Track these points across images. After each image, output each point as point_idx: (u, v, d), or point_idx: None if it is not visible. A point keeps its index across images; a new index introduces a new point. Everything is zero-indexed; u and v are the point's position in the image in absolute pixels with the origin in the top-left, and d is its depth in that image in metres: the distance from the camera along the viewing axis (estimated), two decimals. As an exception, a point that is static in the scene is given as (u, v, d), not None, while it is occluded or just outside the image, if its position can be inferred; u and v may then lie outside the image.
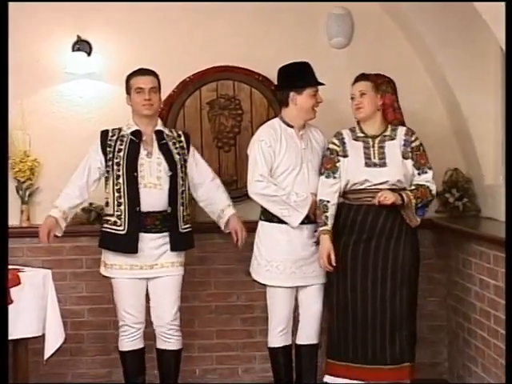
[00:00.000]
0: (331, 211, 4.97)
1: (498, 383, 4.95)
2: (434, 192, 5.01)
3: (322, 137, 5.21)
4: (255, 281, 5.23)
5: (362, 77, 5.06)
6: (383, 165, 4.97)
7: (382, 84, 5.18)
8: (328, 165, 5.04)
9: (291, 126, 5.13)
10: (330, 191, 5.00)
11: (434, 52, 5.73)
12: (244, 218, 5.68)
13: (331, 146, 5.07)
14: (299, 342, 5.24)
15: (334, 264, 4.91)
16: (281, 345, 5.22)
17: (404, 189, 4.93)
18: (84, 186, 5.12)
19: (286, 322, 5.17)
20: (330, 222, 4.97)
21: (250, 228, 5.58)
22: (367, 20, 5.97)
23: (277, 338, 5.21)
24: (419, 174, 5.00)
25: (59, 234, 5.13)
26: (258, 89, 5.94)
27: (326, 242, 4.94)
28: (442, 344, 5.98)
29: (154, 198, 5.03)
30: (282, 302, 5.15)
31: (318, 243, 5.01)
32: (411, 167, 5.00)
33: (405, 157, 5.00)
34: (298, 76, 5.12)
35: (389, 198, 4.84)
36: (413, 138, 5.03)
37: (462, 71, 5.68)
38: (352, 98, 5.03)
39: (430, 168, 5.02)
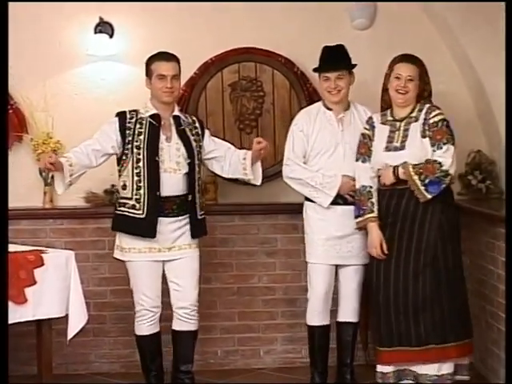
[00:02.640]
0: (375, 197, 4.98)
1: None
2: (445, 168, 4.83)
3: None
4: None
5: (412, 59, 4.99)
6: (402, 148, 4.93)
7: (425, 73, 5.06)
8: (362, 149, 5.05)
9: (330, 109, 5.19)
10: (369, 176, 5.00)
11: (457, 33, 5.72)
12: (263, 200, 5.90)
13: (364, 131, 5.09)
14: (339, 319, 5.30)
15: (387, 252, 4.89)
16: (318, 324, 5.25)
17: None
18: (95, 153, 5.03)
19: (323, 300, 5.20)
20: (376, 208, 4.96)
21: (272, 210, 5.83)
22: (389, 1, 5.94)
23: (314, 316, 5.25)
24: (434, 150, 4.89)
25: (60, 184, 4.99)
26: (280, 71, 5.93)
27: (375, 230, 4.95)
28: None
29: (173, 182, 5.03)
30: (319, 279, 5.19)
31: (360, 229, 5.02)
32: (429, 146, 4.92)
33: (423, 136, 4.93)
34: (319, 61, 5.19)
35: (387, 180, 4.89)
36: (432, 115, 4.94)
37: (486, 52, 5.64)
38: (397, 78, 4.95)
39: (445, 143, 4.89)
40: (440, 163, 4.84)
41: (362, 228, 5.01)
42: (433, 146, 4.89)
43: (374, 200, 4.96)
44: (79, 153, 5.02)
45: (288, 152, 5.19)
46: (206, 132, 5.27)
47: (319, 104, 5.26)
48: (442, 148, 4.88)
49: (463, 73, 5.94)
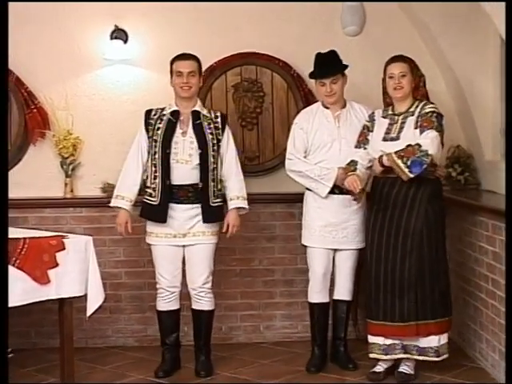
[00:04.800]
0: (359, 167, 4.95)
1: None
2: (424, 147, 4.75)
3: (366, 112, 5.18)
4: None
5: (401, 58, 4.99)
6: (397, 138, 4.92)
7: (415, 67, 5.07)
8: (360, 138, 5.06)
9: (327, 108, 5.19)
10: (360, 157, 4.99)
11: (438, 38, 5.69)
12: (263, 191, 5.87)
13: (365, 122, 5.10)
14: (334, 297, 5.31)
15: (361, 187, 4.86)
16: (317, 301, 5.27)
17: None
18: (139, 172, 5.09)
19: (322, 280, 5.22)
20: (358, 171, 4.93)
21: (271, 199, 5.82)
22: (378, 10, 5.93)
23: (313, 294, 5.27)
24: (420, 135, 4.86)
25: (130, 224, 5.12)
26: (278, 73, 5.91)
27: (353, 176, 4.91)
28: None
29: (185, 172, 5.03)
30: (317, 261, 5.21)
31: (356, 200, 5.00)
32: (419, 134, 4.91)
33: (415, 127, 4.90)
34: (312, 72, 5.20)
35: (376, 168, 4.91)
36: (425, 109, 4.92)
37: (464, 56, 5.64)
38: (391, 77, 4.95)
39: (431, 128, 4.83)
40: (419, 144, 4.78)
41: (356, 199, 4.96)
42: (421, 133, 4.85)
43: (358, 166, 4.94)
44: (131, 185, 5.07)
45: (290, 148, 5.21)
46: (227, 129, 5.20)
47: (318, 104, 5.27)
48: (425, 132, 4.84)
49: (443, 74, 5.92)
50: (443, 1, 5.41)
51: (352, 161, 4.99)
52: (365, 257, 5.10)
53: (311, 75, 5.22)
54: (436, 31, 5.67)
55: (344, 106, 5.20)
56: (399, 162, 4.78)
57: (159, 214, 5.05)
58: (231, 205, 5.17)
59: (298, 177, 5.19)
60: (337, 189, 5.09)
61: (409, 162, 4.76)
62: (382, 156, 4.86)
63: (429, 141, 4.79)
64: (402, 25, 5.93)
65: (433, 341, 4.95)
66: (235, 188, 5.17)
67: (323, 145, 5.14)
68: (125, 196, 5.09)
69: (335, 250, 5.23)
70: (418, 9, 5.68)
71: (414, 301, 4.90)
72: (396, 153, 4.81)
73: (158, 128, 5.08)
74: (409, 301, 4.89)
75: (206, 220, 5.07)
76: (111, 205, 5.18)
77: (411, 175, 4.78)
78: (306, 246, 5.29)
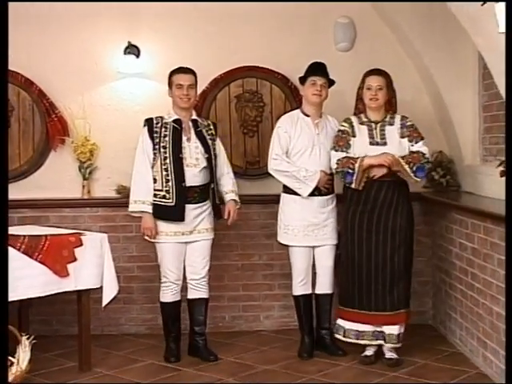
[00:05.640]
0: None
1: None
2: (427, 155, 4.98)
3: (337, 124, 5.22)
4: (278, 242, 5.35)
5: (379, 72, 5.05)
6: (384, 144, 5.00)
7: (390, 83, 5.14)
8: (341, 142, 5.06)
9: (308, 116, 5.23)
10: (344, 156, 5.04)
11: (422, 54, 5.73)
12: (264, 192, 5.87)
13: (342, 128, 5.10)
14: (317, 291, 5.34)
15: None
16: (301, 293, 5.30)
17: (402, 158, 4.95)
18: (150, 177, 5.11)
19: (304, 274, 5.26)
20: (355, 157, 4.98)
21: (270, 200, 5.72)
22: (367, 28, 5.97)
23: (298, 288, 5.31)
24: (412, 144, 5.00)
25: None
26: (277, 85, 5.95)
27: (370, 158, 4.95)
28: (427, 296, 6.00)
29: (194, 174, 5.09)
30: (299, 258, 5.26)
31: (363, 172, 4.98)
32: (407, 144, 5.01)
33: (402, 136, 5.02)
34: (305, 73, 5.23)
35: (380, 172, 4.96)
36: (407, 120, 5.07)
37: (445, 70, 5.67)
38: (368, 89, 5.02)
39: (422, 138, 5.01)
40: (422, 153, 4.96)
41: (365, 169, 4.93)
42: (410, 141, 5.01)
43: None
44: (148, 189, 5.08)
45: (276, 149, 5.17)
46: (217, 138, 5.29)
47: (298, 111, 5.28)
48: (418, 142, 4.99)
49: (426, 87, 5.95)
50: (422, 0, 5.36)
51: (347, 157, 4.99)
52: (350, 253, 5.07)
53: (301, 78, 5.22)
54: (419, 47, 5.70)
55: (321, 116, 5.25)
56: (406, 167, 4.93)
57: (176, 214, 5.05)
58: (228, 197, 5.24)
59: (282, 176, 5.16)
60: (316, 190, 5.15)
61: (415, 168, 4.94)
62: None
63: (427, 149, 5.01)
64: (389, 42, 5.95)
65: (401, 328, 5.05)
66: (228, 184, 5.26)
67: (304, 149, 5.16)
68: (145, 200, 5.07)
69: (314, 247, 5.26)
70: (403, 27, 5.72)
71: (402, 291, 4.99)
72: (403, 158, 4.93)
73: (165, 135, 5.10)
74: (398, 291, 4.98)
75: (216, 216, 5.19)
76: (134, 210, 5.11)
77: (417, 179, 4.98)
78: (287, 246, 5.29)
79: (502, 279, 4.49)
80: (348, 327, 5.13)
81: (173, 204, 5.08)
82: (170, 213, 5.08)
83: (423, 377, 4.81)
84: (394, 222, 5.00)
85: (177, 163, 5.07)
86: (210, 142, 5.21)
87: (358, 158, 4.99)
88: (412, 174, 4.95)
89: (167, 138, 5.12)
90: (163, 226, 5.14)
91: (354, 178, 4.98)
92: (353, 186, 5.01)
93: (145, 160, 5.12)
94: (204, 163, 5.13)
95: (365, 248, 5.02)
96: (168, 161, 5.09)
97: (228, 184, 5.29)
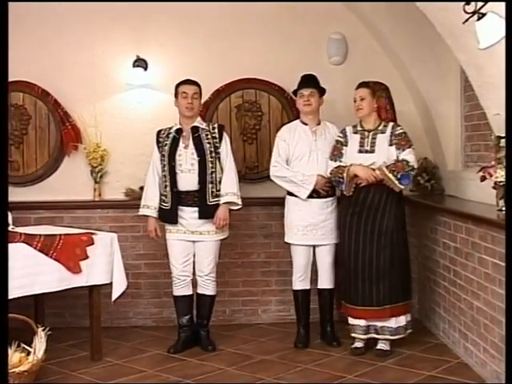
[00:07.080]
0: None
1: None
2: (411, 163, 4.93)
3: (337, 130, 5.25)
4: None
5: (363, 84, 5.08)
6: (372, 151, 5.01)
7: (378, 90, 5.18)
8: (335, 152, 5.13)
9: (306, 124, 5.28)
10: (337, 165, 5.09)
11: (409, 67, 5.77)
12: (263, 195, 5.92)
13: (338, 138, 5.16)
14: (318, 286, 5.37)
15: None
16: (300, 288, 5.34)
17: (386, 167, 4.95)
18: (156, 184, 5.19)
19: (303, 271, 5.29)
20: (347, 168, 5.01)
21: (268, 202, 5.85)
22: (358, 43, 6.01)
23: (297, 283, 5.34)
24: (399, 153, 4.98)
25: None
26: (274, 96, 5.98)
27: (355, 168, 4.98)
28: (413, 291, 5.66)
29: (189, 180, 5.10)
30: (299, 255, 5.29)
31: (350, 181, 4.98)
32: (395, 151, 5.00)
33: (390, 144, 5.00)
34: (298, 85, 5.27)
35: (368, 180, 4.96)
36: (397, 129, 5.04)
37: (430, 81, 5.70)
38: (354, 101, 5.06)
39: (409, 147, 4.98)
40: (407, 161, 4.94)
41: (351, 178, 4.95)
42: (398, 149, 4.98)
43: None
44: (154, 196, 5.18)
45: (276, 157, 5.25)
46: (224, 136, 5.21)
47: (297, 121, 5.33)
48: (405, 150, 4.97)
49: (413, 97, 5.97)
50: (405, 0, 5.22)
51: (339, 166, 5.03)
52: (342, 252, 5.10)
53: (294, 92, 5.29)
54: (407, 61, 5.74)
55: (319, 124, 5.28)
56: (391, 175, 4.91)
57: (171, 217, 5.14)
58: (221, 200, 5.14)
59: (281, 181, 5.23)
60: (315, 193, 5.19)
61: (399, 175, 4.91)
62: (374, 170, 4.94)
63: (413, 157, 4.97)
64: (378, 56, 5.99)
65: (402, 320, 5.06)
66: (225, 185, 5.15)
67: (302, 155, 5.20)
68: (150, 205, 5.19)
69: (315, 246, 5.29)
70: (391, 41, 5.75)
71: (387, 288, 4.99)
72: (387, 167, 4.93)
73: (166, 144, 5.14)
74: (383, 288, 4.99)
75: (201, 216, 5.10)
76: (140, 213, 5.24)
77: (402, 186, 4.94)
78: (289, 244, 5.34)
79: (483, 276, 4.52)
80: (350, 323, 5.14)
81: (169, 207, 5.15)
82: (167, 215, 5.17)
83: (409, 366, 4.85)
84: (380, 224, 4.99)
85: (171, 170, 5.11)
86: (207, 145, 5.14)
87: (346, 166, 5.04)
88: (397, 182, 4.93)
89: (166, 147, 5.17)
90: (170, 225, 5.21)
91: (343, 185, 5.05)
92: (345, 192, 5.08)
93: (153, 168, 5.23)
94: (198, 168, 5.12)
95: (353, 247, 5.04)
96: (166, 168, 5.15)
97: (224, 186, 5.17)
